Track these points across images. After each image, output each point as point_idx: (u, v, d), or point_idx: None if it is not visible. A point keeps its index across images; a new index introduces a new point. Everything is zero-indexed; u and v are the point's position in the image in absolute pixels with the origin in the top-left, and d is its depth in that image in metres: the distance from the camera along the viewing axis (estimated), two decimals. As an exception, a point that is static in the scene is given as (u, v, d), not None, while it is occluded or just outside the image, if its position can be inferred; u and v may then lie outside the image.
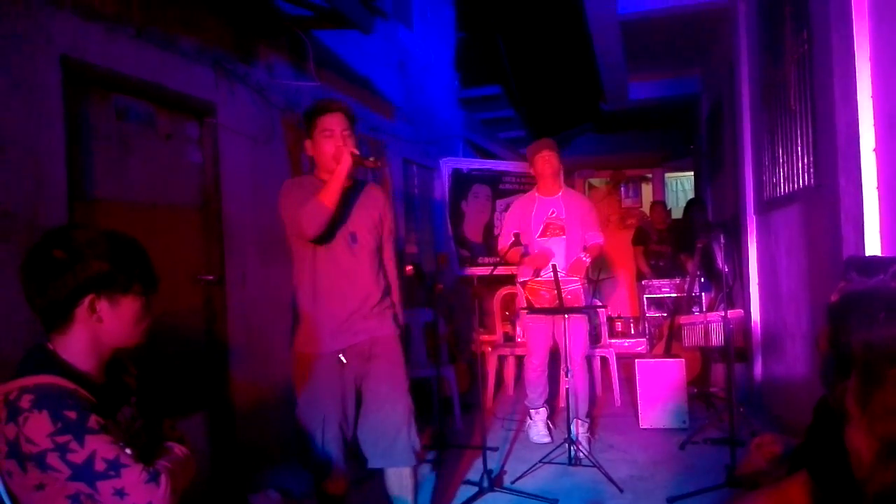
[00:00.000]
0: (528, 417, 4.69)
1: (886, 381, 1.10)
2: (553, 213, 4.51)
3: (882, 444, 1.08)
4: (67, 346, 1.55)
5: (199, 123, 3.71)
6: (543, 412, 4.63)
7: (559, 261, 4.37)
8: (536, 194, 4.60)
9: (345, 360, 2.84)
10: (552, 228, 4.50)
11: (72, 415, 1.42)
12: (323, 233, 2.78)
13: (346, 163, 2.71)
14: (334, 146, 2.79)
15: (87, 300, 1.53)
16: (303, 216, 2.74)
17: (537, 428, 4.60)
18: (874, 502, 1.08)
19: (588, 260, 4.38)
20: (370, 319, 2.89)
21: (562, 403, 4.83)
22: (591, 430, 4.67)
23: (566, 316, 4.18)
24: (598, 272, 8.47)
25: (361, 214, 2.91)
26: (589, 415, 4.61)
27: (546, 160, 4.47)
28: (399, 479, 2.91)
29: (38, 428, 1.40)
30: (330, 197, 2.71)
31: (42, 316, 1.55)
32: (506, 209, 6.35)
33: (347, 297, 2.85)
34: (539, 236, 4.51)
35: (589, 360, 5.11)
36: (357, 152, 2.76)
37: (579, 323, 4.44)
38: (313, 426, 2.81)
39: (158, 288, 1.67)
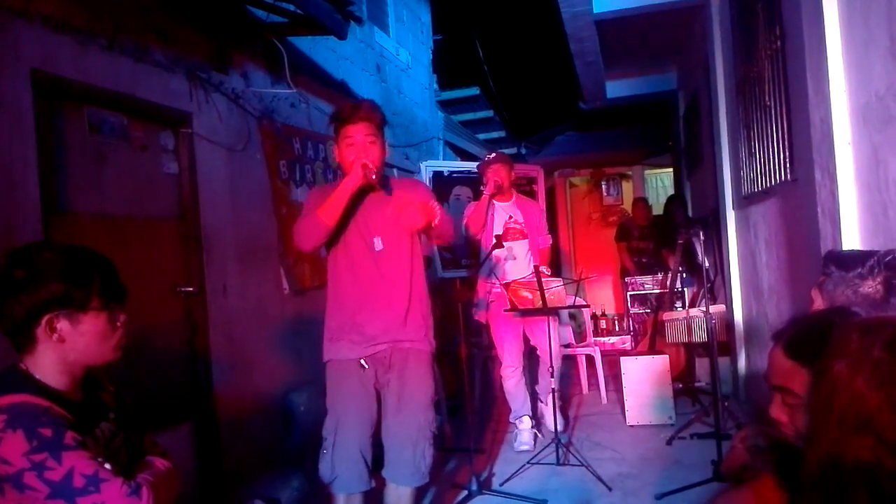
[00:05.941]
0: (515, 427, 4.69)
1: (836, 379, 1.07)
2: (511, 218, 4.74)
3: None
4: (37, 365, 1.53)
5: (174, 134, 3.67)
6: (528, 421, 4.66)
7: (522, 261, 4.65)
8: (494, 201, 4.70)
9: (366, 366, 2.78)
10: (513, 232, 4.71)
11: (47, 432, 1.40)
12: (319, 248, 2.72)
13: (354, 176, 2.64)
14: (356, 156, 2.71)
15: (44, 320, 1.50)
16: (298, 229, 2.67)
17: (521, 437, 4.59)
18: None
19: (548, 271, 4.70)
20: (393, 330, 2.80)
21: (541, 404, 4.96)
22: (576, 427, 4.75)
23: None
24: (580, 272, 8.48)
25: (387, 218, 2.78)
26: (563, 396, 4.88)
27: (495, 172, 4.60)
28: (397, 497, 2.84)
29: (14, 447, 1.38)
30: (329, 213, 2.62)
31: (8, 336, 1.52)
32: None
33: (366, 305, 2.78)
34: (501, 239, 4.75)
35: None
36: (370, 164, 2.67)
37: (554, 322, 4.57)
38: (326, 431, 2.77)
39: (125, 299, 1.63)
